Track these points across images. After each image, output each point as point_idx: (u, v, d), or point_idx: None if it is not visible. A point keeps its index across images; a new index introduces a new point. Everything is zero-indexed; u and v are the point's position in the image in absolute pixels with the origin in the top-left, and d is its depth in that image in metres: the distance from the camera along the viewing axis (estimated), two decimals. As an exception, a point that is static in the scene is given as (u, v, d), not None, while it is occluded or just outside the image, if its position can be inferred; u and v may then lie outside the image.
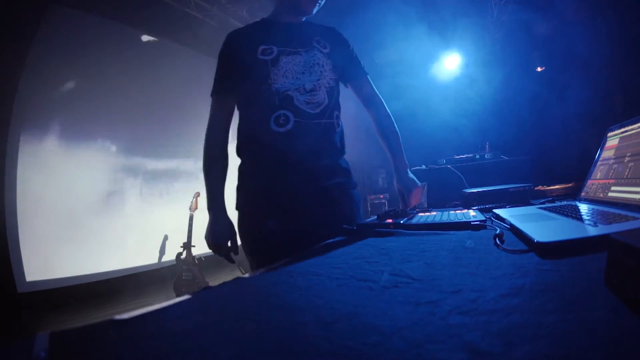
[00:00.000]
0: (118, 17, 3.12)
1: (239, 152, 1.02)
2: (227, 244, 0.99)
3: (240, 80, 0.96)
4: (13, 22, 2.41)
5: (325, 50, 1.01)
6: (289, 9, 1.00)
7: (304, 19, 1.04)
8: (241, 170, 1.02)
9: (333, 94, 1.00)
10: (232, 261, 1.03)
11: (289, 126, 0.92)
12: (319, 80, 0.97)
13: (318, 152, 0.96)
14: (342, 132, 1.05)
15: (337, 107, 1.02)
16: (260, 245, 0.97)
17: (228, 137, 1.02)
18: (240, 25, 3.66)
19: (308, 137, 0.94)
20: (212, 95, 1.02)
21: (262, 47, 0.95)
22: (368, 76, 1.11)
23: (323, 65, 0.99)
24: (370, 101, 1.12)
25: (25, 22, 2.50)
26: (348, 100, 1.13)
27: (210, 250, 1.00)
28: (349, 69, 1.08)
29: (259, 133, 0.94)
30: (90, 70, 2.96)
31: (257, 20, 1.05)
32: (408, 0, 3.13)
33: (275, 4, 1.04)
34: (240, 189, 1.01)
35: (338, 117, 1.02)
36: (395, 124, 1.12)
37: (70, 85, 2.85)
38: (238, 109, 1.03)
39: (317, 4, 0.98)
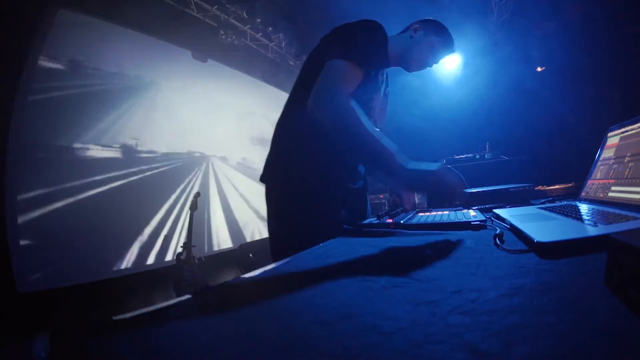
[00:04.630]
0: (117, 17, 3.12)
1: (305, 148, 0.96)
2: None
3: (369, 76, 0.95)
4: (13, 22, 2.41)
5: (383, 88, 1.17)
6: (399, 56, 1.05)
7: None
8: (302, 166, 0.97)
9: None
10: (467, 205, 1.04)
11: None
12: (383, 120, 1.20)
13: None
14: None
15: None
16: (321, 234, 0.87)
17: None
18: (240, 25, 3.68)
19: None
20: (358, 61, 0.86)
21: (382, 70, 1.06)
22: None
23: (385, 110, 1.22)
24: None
25: (25, 22, 2.50)
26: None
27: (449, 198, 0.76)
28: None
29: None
30: (91, 71, 2.96)
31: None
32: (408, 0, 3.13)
33: (396, 42, 1.05)
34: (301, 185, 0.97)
35: None
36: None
37: (70, 85, 2.85)
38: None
39: (418, 70, 1.09)
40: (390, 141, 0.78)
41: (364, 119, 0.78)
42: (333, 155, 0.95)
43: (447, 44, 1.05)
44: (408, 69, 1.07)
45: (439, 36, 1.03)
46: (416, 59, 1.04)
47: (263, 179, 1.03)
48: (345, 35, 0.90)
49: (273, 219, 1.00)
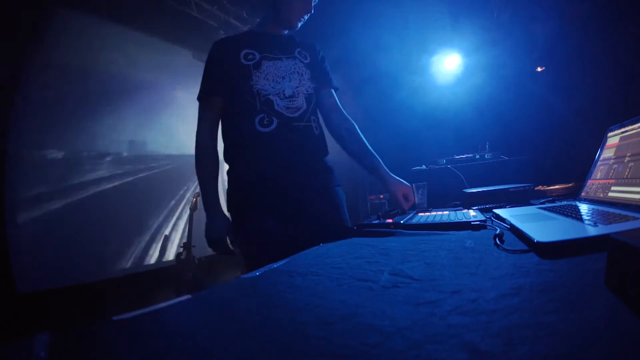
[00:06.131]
0: (117, 17, 3.12)
1: (227, 157, 1.06)
2: (226, 239, 1.02)
3: (225, 81, 1.01)
4: (13, 22, 2.41)
5: (305, 61, 1.09)
6: (275, 21, 1.07)
7: (286, 32, 1.11)
8: (230, 173, 1.05)
9: (311, 101, 1.06)
10: (232, 254, 1.07)
11: (272, 127, 0.97)
12: (297, 87, 1.03)
13: (301, 152, 1.01)
14: (322, 134, 1.11)
15: (315, 113, 1.10)
16: (256, 243, 1.00)
17: (217, 137, 1.06)
18: (240, 25, 3.68)
19: (291, 138, 0.99)
20: (198, 99, 1.05)
21: (245, 51, 1.01)
22: (335, 91, 1.19)
23: (302, 74, 1.06)
24: (333, 111, 1.17)
25: (25, 22, 2.50)
26: (344, 107, 1.20)
27: (211, 249, 1.03)
28: (321, 81, 1.14)
29: (245, 134, 0.99)
30: (91, 71, 2.96)
31: (243, 31, 1.12)
32: (408, 0, 3.13)
33: (261, 15, 1.12)
34: (231, 191, 1.04)
35: (316, 121, 1.08)
36: (359, 132, 1.18)
37: (70, 85, 2.84)
38: (222, 115, 1.06)
39: (302, 20, 1.06)
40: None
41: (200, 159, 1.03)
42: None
43: None
44: (290, 27, 1.06)
45: None
46: (287, 14, 1.03)
47: None
48: None
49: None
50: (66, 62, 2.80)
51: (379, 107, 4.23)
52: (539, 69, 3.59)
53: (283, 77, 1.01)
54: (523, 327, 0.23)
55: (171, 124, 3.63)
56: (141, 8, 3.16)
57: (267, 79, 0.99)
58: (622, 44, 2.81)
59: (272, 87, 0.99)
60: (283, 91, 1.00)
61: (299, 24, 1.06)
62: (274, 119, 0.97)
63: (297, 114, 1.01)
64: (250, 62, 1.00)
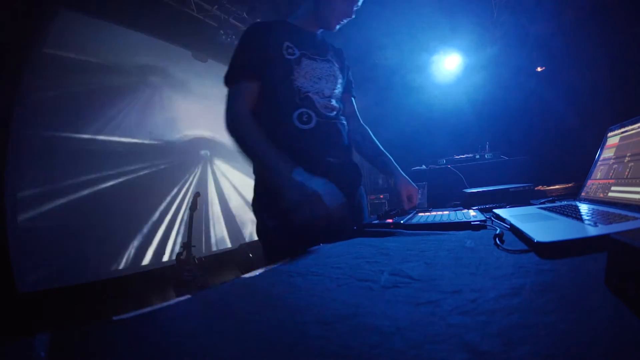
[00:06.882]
0: (117, 17, 3.12)
1: None
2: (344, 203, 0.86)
3: (266, 69, 0.95)
4: (15, 19, 2.41)
5: (337, 66, 1.10)
6: (313, 18, 1.05)
7: (320, 31, 1.10)
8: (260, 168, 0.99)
9: (342, 104, 1.09)
10: (351, 227, 0.93)
11: (312, 124, 0.96)
12: (334, 89, 1.04)
13: (337, 150, 1.02)
14: (349, 135, 1.13)
15: (343, 114, 1.12)
16: (287, 239, 0.91)
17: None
18: (240, 25, 3.68)
19: (329, 136, 0.99)
20: (233, 79, 0.95)
21: (286, 44, 0.98)
22: (355, 99, 1.23)
23: (337, 78, 1.07)
24: (351, 117, 1.19)
25: (27, 21, 2.50)
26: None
27: (312, 223, 0.79)
28: (346, 88, 1.17)
29: (282, 129, 0.94)
30: (91, 71, 2.96)
31: (279, 19, 1.05)
32: (408, 0, 3.13)
33: (300, 7, 1.07)
34: (260, 186, 0.99)
35: (345, 121, 1.10)
36: (373, 135, 1.22)
37: (71, 85, 2.84)
38: (256, 103, 0.98)
39: (341, 23, 1.04)
40: (278, 152, 0.87)
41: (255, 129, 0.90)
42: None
43: None
44: (329, 27, 1.05)
45: None
46: (328, 14, 1.01)
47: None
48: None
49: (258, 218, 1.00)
50: (66, 63, 2.80)
51: (378, 107, 4.23)
52: (539, 69, 3.59)
53: (320, 78, 1.01)
54: (523, 327, 0.23)
55: (170, 123, 3.64)
56: (141, 8, 3.16)
57: (306, 77, 0.98)
58: (623, 44, 2.81)
59: (311, 86, 0.98)
60: (322, 91, 1.00)
61: (337, 27, 1.05)
62: (313, 115, 0.96)
63: (333, 114, 1.02)
64: (292, 57, 0.97)
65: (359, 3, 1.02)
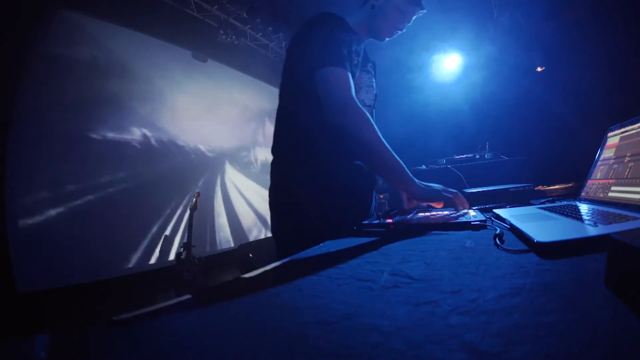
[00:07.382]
0: (117, 17, 3.12)
1: (303, 152, 0.97)
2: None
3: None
4: (14, 20, 2.41)
5: (374, 78, 1.12)
6: (366, 28, 1.06)
7: (366, 40, 1.11)
8: (308, 170, 0.97)
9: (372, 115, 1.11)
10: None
11: None
12: (373, 100, 1.09)
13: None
14: None
15: None
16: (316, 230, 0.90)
17: None
18: (240, 25, 3.68)
19: None
20: (338, 62, 0.88)
21: (354, 47, 0.95)
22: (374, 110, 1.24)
23: (374, 90, 1.11)
24: None
25: (26, 21, 2.50)
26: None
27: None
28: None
29: (325, 128, 0.89)
30: (91, 71, 2.96)
31: (343, 18, 1.02)
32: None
33: (356, 15, 1.06)
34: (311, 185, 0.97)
35: None
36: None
37: (70, 85, 2.84)
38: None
39: (392, 36, 1.07)
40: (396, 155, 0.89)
41: (378, 131, 0.88)
42: (339, 156, 0.97)
43: (412, 1, 1.01)
44: (379, 38, 1.06)
45: None
46: (383, 26, 1.02)
47: (272, 174, 1.04)
48: (317, 40, 0.92)
49: (278, 218, 1.00)
50: (66, 63, 2.80)
51: (378, 107, 4.23)
52: (539, 69, 3.59)
53: (361, 88, 1.03)
54: (523, 327, 0.23)
55: (170, 124, 3.63)
56: (141, 8, 3.16)
57: (356, 85, 0.96)
58: (623, 44, 2.81)
59: (357, 94, 0.96)
60: (364, 100, 1.03)
61: (387, 39, 1.06)
62: None
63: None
64: (356, 61, 0.97)
65: (413, 18, 1.04)
